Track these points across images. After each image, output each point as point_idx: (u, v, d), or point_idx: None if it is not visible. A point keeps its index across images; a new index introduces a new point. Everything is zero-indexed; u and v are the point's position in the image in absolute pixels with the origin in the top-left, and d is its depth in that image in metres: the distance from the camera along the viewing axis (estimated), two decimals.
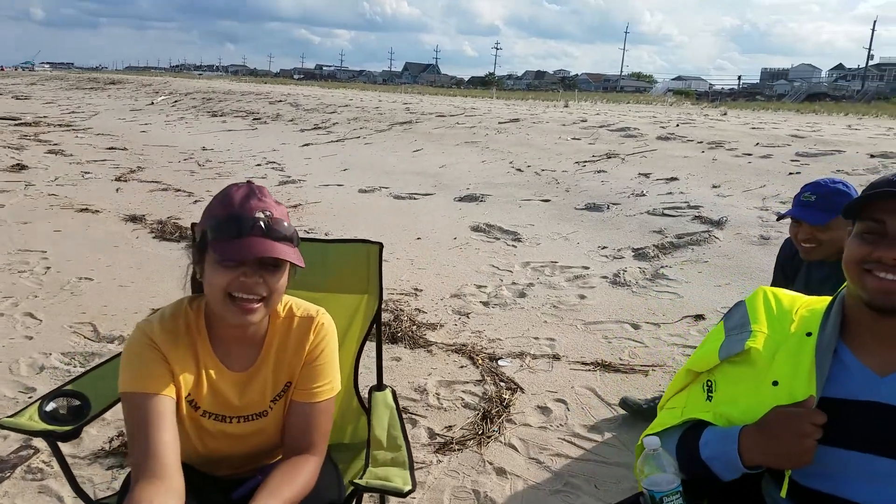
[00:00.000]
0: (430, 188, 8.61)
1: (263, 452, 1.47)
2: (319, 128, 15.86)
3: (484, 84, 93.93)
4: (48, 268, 4.71)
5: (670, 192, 7.59)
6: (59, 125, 15.84)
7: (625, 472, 2.47)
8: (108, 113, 20.41)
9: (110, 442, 2.56)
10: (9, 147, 11.25)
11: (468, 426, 2.81)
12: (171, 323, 1.32)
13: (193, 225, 1.78)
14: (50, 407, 1.54)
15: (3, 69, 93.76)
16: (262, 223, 1.21)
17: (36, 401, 1.54)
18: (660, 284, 4.73)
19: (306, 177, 9.46)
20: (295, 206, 7.48)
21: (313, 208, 7.42)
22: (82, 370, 3.13)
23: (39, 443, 2.50)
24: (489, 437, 2.72)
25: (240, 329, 1.32)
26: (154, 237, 5.80)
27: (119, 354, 1.70)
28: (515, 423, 2.85)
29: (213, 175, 9.48)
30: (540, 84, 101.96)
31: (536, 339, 3.79)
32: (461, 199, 7.86)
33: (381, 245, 1.84)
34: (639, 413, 2.86)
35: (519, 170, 9.73)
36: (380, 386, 1.87)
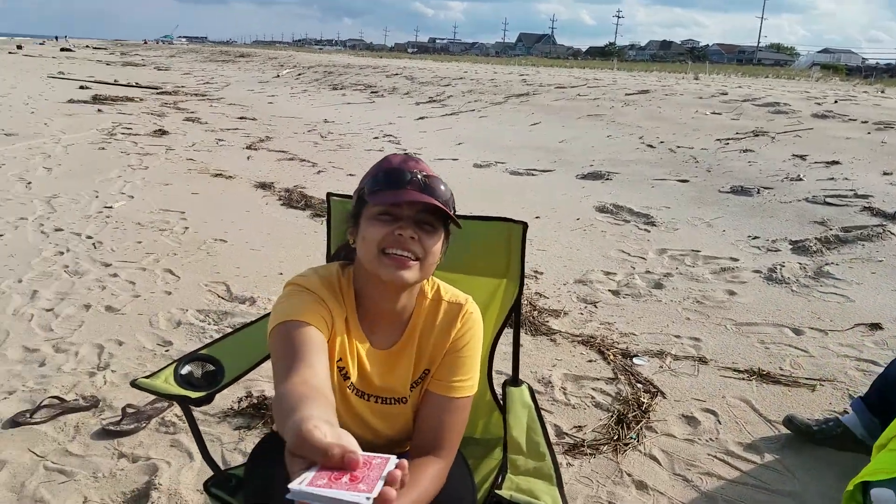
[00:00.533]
0: (550, 164, 8.27)
1: (397, 441, 1.38)
2: (434, 101, 15.81)
3: (603, 54, 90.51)
4: (186, 228, 4.89)
5: (832, 178, 6.76)
6: (195, 94, 16.79)
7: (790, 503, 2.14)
8: (239, 84, 21.45)
9: (239, 402, 2.54)
10: (152, 114, 12.02)
11: (601, 429, 2.57)
12: (328, 280, 1.27)
13: (329, 195, 1.74)
14: (185, 370, 1.51)
15: (146, 42, 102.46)
16: (419, 178, 1.19)
17: (172, 363, 1.51)
18: (825, 284, 4.18)
19: (422, 150, 9.39)
20: None
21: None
22: (215, 328, 3.19)
23: None
24: (626, 445, 2.46)
25: (392, 292, 1.24)
26: (282, 204, 5.90)
27: (254, 321, 1.68)
28: (656, 432, 2.56)
29: (335, 147, 9.63)
30: (666, 55, 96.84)
31: (678, 337, 3.44)
32: (584, 177, 7.47)
33: (525, 225, 1.64)
34: (807, 435, 2.48)
35: (650, 146, 9.14)
36: (515, 381, 1.71)
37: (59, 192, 5.67)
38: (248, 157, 8.26)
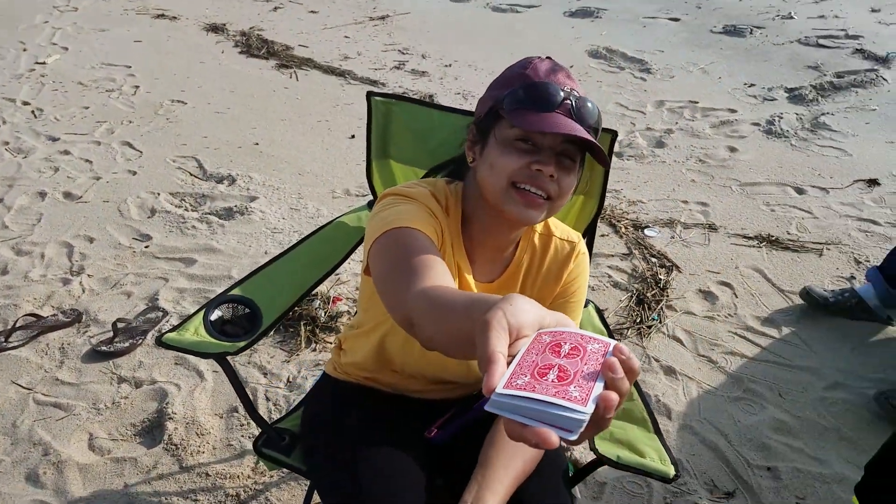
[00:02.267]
0: None
1: (476, 381, 1.25)
2: None
3: None
4: (136, 86, 4.32)
5: (822, 16, 6.45)
6: None
7: (810, 379, 2.20)
8: None
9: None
10: None
11: (623, 311, 2.51)
12: (435, 196, 1.09)
13: (370, 95, 1.45)
14: (215, 316, 1.31)
15: None
16: (571, 101, 0.99)
17: (200, 309, 1.30)
18: (822, 136, 4.06)
19: None
20: (382, 18, 6.73)
21: (402, 21, 6.65)
22: (196, 215, 2.89)
23: (165, 304, 2.30)
24: (649, 327, 2.43)
25: (509, 226, 1.09)
26: (240, 52, 5.27)
27: (282, 254, 1.43)
28: (677, 311, 2.53)
29: None
30: None
31: (685, 203, 3.32)
32: (573, 14, 6.88)
33: (614, 134, 1.39)
34: (822, 308, 2.50)
35: None
36: None
37: None
38: None
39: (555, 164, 0.99)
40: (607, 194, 3.27)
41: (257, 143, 3.68)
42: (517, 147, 0.99)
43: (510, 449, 1.07)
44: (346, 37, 6.01)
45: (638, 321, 2.46)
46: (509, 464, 1.07)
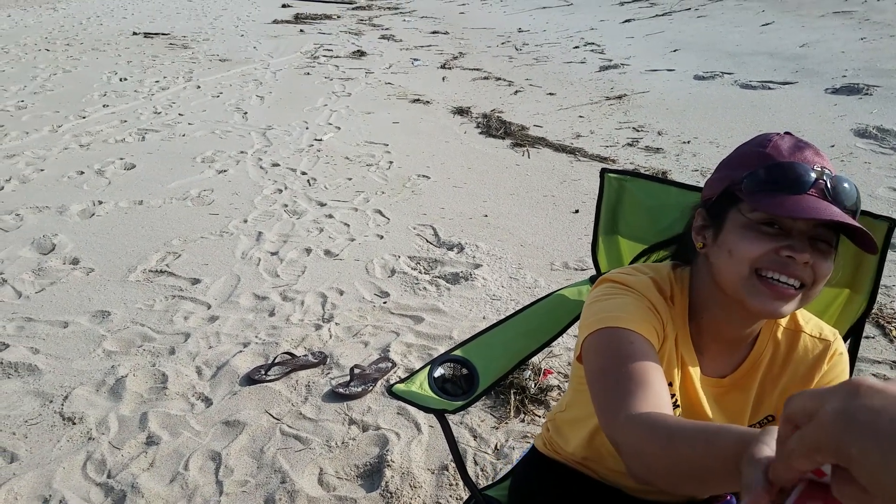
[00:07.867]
0: (790, 75, 7.09)
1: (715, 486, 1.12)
2: None
3: None
4: (391, 162, 4.87)
5: None
6: (388, 8, 16.85)
7: None
8: None
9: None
10: (349, 32, 12.26)
11: None
12: (658, 285, 1.03)
13: (604, 171, 1.43)
14: (438, 373, 1.37)
15: None
16: (825, 180, 0.87)
17: (425, 366, 1.38)
18: None
19: (630, 60, 8.59)
20: (619, 98, 6.79)
21: (641, 100, 6.65)
22: (427, 278, 3.12)
23: (395, 356, 2.49)
24: None
25: (749, 319, 0.98)
26: (480, 132, 5.69)
27: (502, 321, 1.45)
28: None
29: (531, 60, 9.15)
30: None
31: None
32: (835, 92, 6.30)
33: (892, 223, 1.19)
34: None
35: None
36: None
37: (272, 123, 5.92)
38: (444, 78, 8.12)
39: (809, 249, 0.87)
40: (878, 291, 2.92)
41: (486, 215, 3.89)
42: (761, 231, 0.88)
43: None
44: (581, 116, 6.17)
45: None
46: None
